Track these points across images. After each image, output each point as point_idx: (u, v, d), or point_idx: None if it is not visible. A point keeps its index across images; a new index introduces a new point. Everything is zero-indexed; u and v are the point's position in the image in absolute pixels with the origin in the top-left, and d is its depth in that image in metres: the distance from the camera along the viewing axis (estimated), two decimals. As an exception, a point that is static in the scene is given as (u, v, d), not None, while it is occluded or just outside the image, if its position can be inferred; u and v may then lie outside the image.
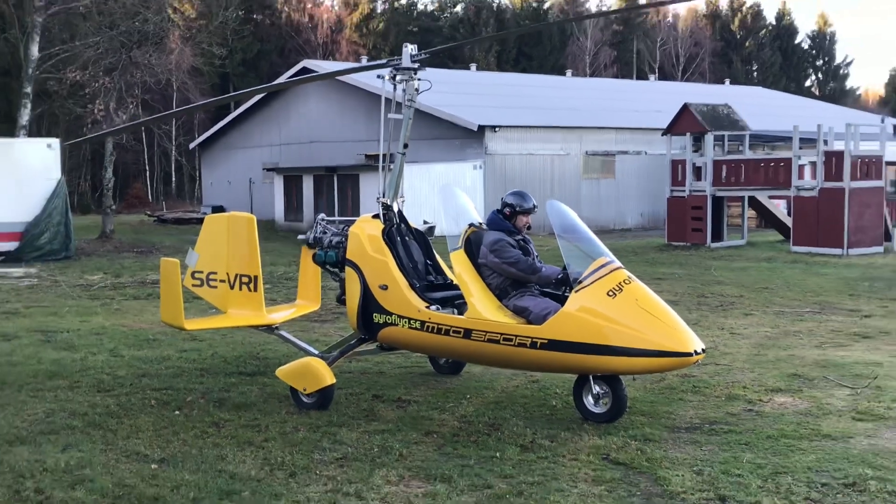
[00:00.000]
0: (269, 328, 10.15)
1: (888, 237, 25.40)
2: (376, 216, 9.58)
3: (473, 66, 58.15)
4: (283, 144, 43.25)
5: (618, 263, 8.37)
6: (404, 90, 9.46)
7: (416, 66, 9.37)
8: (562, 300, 8.47)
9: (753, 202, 28.52)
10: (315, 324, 13.78)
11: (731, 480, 6.70)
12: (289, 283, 19.22)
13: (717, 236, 27.34)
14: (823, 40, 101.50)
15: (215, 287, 9.95)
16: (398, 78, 9.44)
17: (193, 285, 10.09)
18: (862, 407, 8.75)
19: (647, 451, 7.42)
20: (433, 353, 9.77)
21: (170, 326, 9.78)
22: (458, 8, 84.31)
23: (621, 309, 8.01)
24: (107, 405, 9.10)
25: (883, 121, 32.68)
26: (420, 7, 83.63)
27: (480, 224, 9.24)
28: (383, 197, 9.60)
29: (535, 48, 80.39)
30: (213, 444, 7.77)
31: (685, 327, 8.05)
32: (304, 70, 41.97)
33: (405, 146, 9.60)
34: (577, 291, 8.16)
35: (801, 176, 25.73)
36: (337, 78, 40.07)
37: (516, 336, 8.27)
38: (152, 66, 32.49)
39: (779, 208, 28.95)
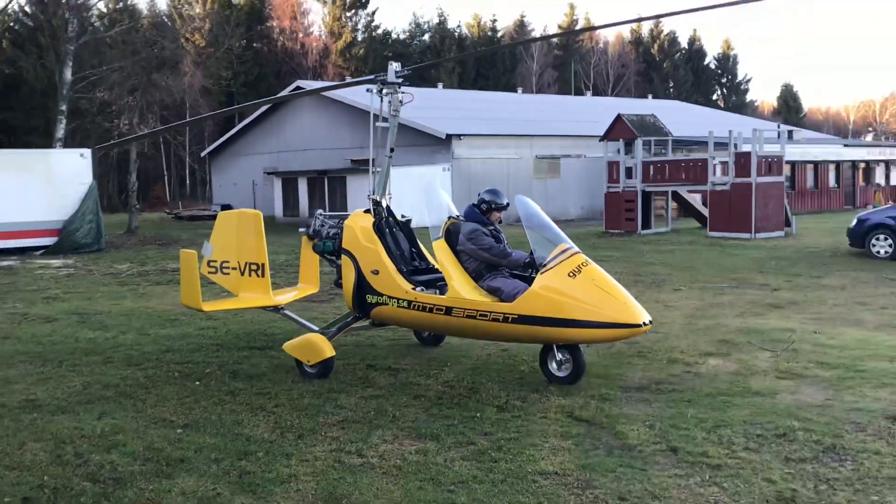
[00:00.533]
0: (276, 309, 9.78)
1: (788, 223, 25.36)
2: (367, 211, 9.24)
3: (440, 85, 57.62)
4: (281, 152, 42.58)
5: (576, 249, 8.11)
6: (390, 102, 9.12)
7: (399, 80, 9.03)
8: (529, 281, 8.22)
9: (676, 196, 28.41)
10: (314, 304, 13.39)
11: (679, 434, 6.46)
12: (289, 269, 18.80)
13: (646, 225, 27.20)
14: (727, 61, 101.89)
15: (228, 274, 9.60)
16: (384, 91, 9.10)
17: (209, 273, 9.72)
18: (783, 367, 8.56)
19: (606, 409, 7.18)
20: (419, 328, 9.45)
21: (189, 309, 9.38)
22: (426, 37, 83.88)
23: (580, 288, 7.75)
24: (136, 377, 8.71)
25: (779, 127, 32.72)
26: (394, 36, 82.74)
27: (458, 216, 8.94)
28: (373, 195, 9.26)
29: (490, 69, 79.93)
30: (230, 411, 7.42)
31: (634, 302, 7.81)
32: (298, 88, 41.38)
33: (391, 150, 9.26)
34: (542, 273, 7.88)
35: (715, 173, 25.62)
36: (326, 94, 39.71)
37: (490, 312, 7.98)
38: (169, 86, 31.83)
39: (696, 200, 28.87)
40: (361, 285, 8.88)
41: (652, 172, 26.74)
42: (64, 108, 31.03)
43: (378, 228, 9.03)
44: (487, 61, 79.79)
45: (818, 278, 15.88)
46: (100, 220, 25.22)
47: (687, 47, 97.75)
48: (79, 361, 9.51)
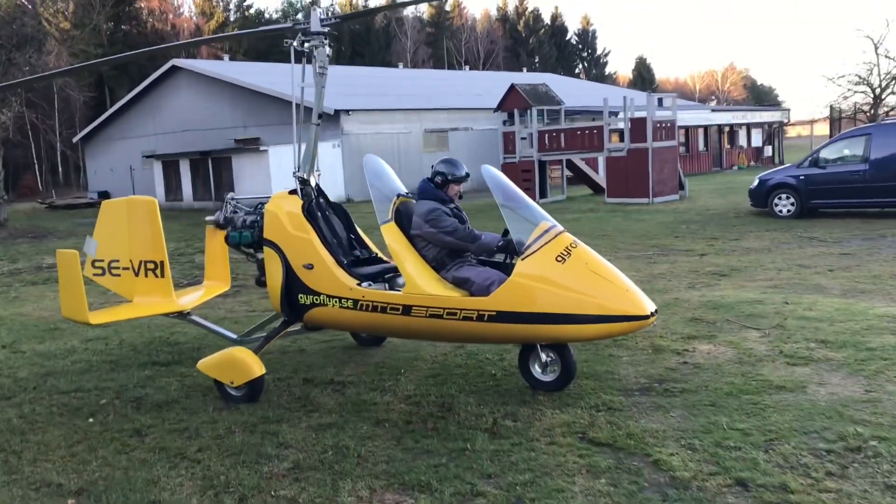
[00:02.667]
0: (181, 314, 7.68)
1: (682, 186, 24.58)
2: (293, 192, 7.22)
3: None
4: (159, 134, 38.93)
5: (561, 227, 6.37)
6: (315, 57, 7.09)
7: (325, 30, 7.01)
8: (504, 269, 6.46)
9: (570, 164, 27.20)
10: (217, 299, 11.18)
11: (733, 457, 4.86)
12: (181, 259, 16.36)
13: (542, 194, 25.89)
14: (587, 36, 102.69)
15: (119, 275, 7.46)
16: (307, 45, 7.06)
17: (95, 275, 7.52)
18: (785, 350, 7.13)
19: (620, 424, 5.52)
20: (368, 332, 7.52)
21: (73, 322, 7.15)
22: (300, 16, 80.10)
23: (572, 274, 6.02)
24: (7, 419, 6.43)
25: (649, 94, 31.94)
26: (267, 15, 78.65)
27: (408, 194, 7.05)
28: (299, 171, 7.22)
29: (365, 47, 77.13)
30: (139, 462, 5.34)
31: (637, 289, 6.15)
32: (174, 68, 37.88)
33: (319, 117, 7.26)
34: (523, 259, 6.10)
35: (610, 140, 24.51)
36: (204, 72, 36.49)
37: (461, 310, 6.15)
38: (33, 66, 28.07)
39: (588, 168, 27.78)
40: (291, 283, 6.89)
41: (548, 141, 25.37)
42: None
43: (308, 213, 7.04)
44: (362, 39, 77.04)
45: (737, 241, 14.86)
46: (-39, 214, 21.77)
47: (550, 23, 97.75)
48: (-70, 398, 7.12)
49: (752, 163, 44.51)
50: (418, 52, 78.13)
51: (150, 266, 7.53)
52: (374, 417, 5.97)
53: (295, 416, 6.11)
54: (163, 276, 7.50)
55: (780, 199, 18.46)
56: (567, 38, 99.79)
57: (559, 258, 6.05)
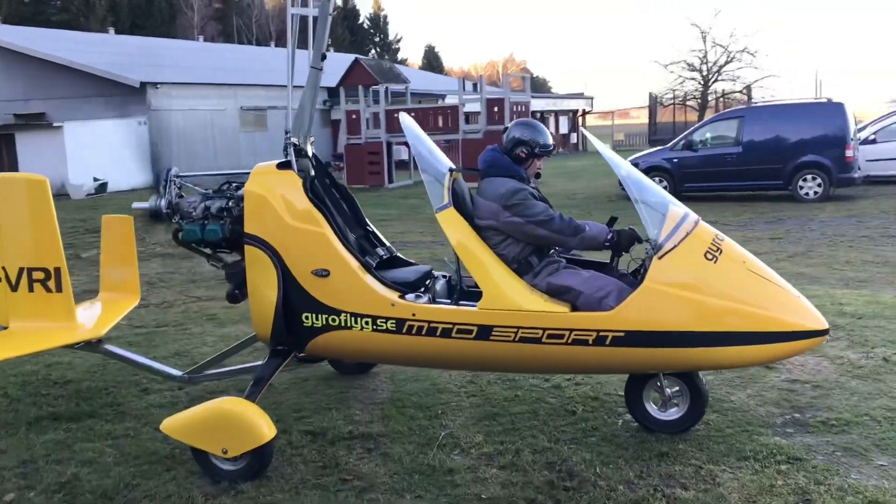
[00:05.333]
0: (90, 344, 5.26)
1: (534, 171, 23.78)
2: (283, 165, 4.99)
3: (111, 31, 49.01)
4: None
5: (695, 215, 4.73)
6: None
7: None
8: (611, 273, 4.76)
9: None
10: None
11: None
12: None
13: (389, 178, 24.07)
14: (379, 21, 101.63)
15: (-21, 290, 5.00)
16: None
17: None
18: (868, 352, 5.98)
19: (842, 487, 4.00)
20: (413, 363, 5.40)
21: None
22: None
23: (730, 278, 4.40)
24: None
25: (462, 82, 31.08)
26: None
27: (456, 169, 5.07)
28: (292, 135, 4.99)
29: (146, 20, 70.72)
30: None
31: (801, 295, 4.64)
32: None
33: (323, 57, 5.09)
34: (661, 258, 4.40)
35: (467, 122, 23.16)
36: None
37: (571, 330, 4.36)
38: None
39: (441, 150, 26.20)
40: (292, 298, 4.73)
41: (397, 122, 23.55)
42: None
43: (314, 195, 4.88)
44: (143, 11, 70.60)
45: (635, 226, 13.95)
46: None
47: (342, 5, 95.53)
48: None
49: (561, 149, 45.36)
50: (206, 27, 72.97)
51: (39, 276, 5.10)
52: (470, 496, 4.03)
53: (342, 499, 4.03)
54: (59, 289, 5.10)
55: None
56: (359, 21, 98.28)
57: (709, 255, 4.42)
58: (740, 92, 35.82)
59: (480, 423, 5.01)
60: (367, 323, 4.63)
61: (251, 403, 4.48)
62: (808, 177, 16.78)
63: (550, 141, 4.97)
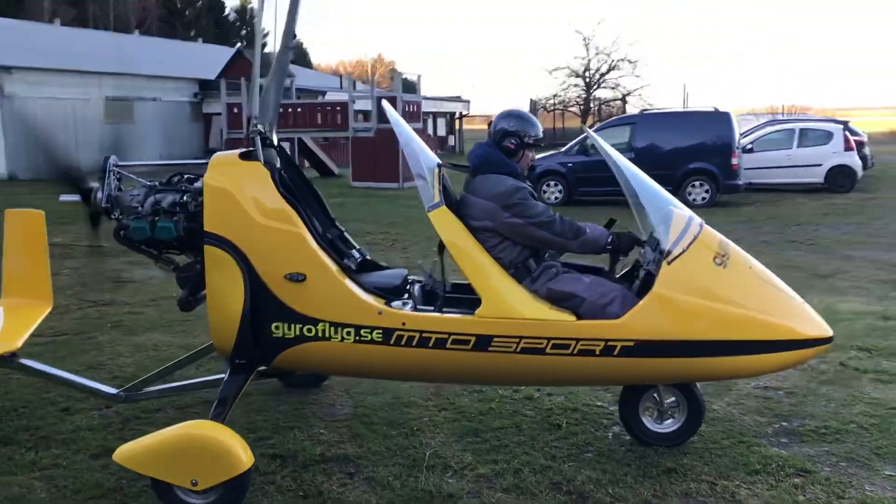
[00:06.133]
0: (2, 359, 4.51)
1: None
2: (246, 154, 4.42)
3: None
4: None
5: (698, 218, 4.50)
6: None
7: None
8: (607, 278, 4.48)
9: (300, 144, 24.64)
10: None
11: None
12: None
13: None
14: (245, 14, 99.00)
15: None
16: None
17: None
18: (847, 361, 6.01)
19: (846, 502, 3.87)
20: (399, 377, 4.87)
21: None
22: None
23: (741, 285, 4.21)
24: None
25: (342, 79, 30.67)
26: None
27: (445, 164, 4.63)
28: (258, 121, 4.41)
29: (-9, 1, 65.49)
30: None
31: (806, 303, 4.50)
32: None
33: (293, 37, 4.55)
34: (670, 263, 4.15)
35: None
36: None
37: (577, 340, 4.04)
38: None
39: (317, 147, 25.42)
40: (261, 306, 4.16)
41: (283, 118, 22.65)
42: None
43: (285, 188, 4.34)
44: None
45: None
46: None
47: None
48: None
49: (439, 150, 45.42)
50: (59, 12, 68.37)
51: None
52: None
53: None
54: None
55: (548, 185, 18.19)
56: (225, 14, 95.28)
57: (717, 261, 4.21)
58: (621, 100, 37.05)
59: (463, 440, 4.61)
60: (348, 333, 4.13)
61: (224, 427, 3.89)
62: (696, 183, 17.35)
63: (541, 131, 4.63)
